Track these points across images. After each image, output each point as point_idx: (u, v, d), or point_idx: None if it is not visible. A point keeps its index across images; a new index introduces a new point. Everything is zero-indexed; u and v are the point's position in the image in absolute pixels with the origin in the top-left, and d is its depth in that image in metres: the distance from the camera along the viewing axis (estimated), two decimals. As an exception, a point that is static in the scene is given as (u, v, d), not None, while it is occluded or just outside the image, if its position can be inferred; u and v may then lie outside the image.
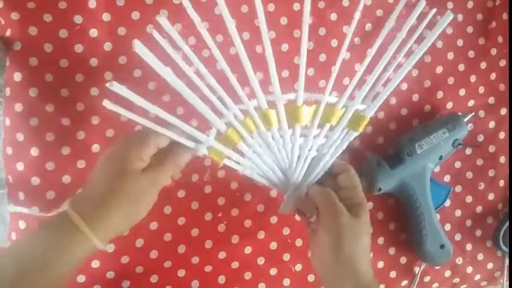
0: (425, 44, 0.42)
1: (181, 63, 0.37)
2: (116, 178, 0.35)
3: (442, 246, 0.50)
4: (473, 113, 0.51)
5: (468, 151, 0.54)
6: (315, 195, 0.41)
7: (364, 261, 0.39)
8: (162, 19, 0.36)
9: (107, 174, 0.35)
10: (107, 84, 0.34)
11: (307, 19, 0.38)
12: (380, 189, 0.48)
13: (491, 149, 0.54)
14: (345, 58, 0.43)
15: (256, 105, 0.40)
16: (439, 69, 0.52)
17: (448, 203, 0.53)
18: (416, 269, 0.53)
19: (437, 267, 0.53)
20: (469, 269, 0.54)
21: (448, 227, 0.53)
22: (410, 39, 0.43)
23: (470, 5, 0.53)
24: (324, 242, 0.39)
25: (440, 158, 0.49)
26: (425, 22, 0.43)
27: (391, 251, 0.52)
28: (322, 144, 0.44)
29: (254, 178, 0.43)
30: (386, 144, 0.51)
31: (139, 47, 0.35)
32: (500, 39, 0.54)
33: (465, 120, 0.50)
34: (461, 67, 0.53)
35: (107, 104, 0.35)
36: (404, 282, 0.53)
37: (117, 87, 0.35)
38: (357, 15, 0.41)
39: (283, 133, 0.42)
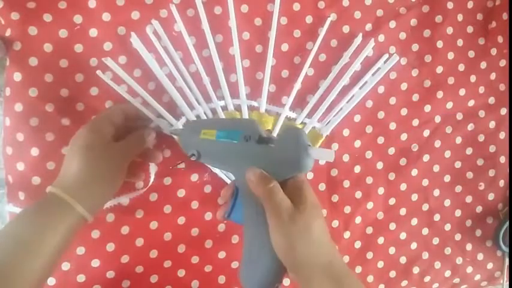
0: (374, 79, 0.49)
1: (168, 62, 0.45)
2: (87, 152, 0.37)
3: None
4: None
5: (468, 151, 0.54)
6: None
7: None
8: (155, 22, 0.44)
9: (78, 152, 0.38)
10: (103, 59, 0.43)
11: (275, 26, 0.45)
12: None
13: (492, 149, 0.54)
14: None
15: (224, 106, 0.46)
16: (439, 69, 0.52)
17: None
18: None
19: None
20: (469, 269, 0.54)
21: (448, 227, 0.53)
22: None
23: (470, 5, 0.53)
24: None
25: None
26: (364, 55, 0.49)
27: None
28: None
29: (214, 171, 0.46)
30: (386, 144, 0.51)
31: (135, 40, 0.43)
32: (500, 39, 0.54)
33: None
34: (461, 67, 0.53)
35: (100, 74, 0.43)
36: (404, 283, 0.53)
37: (110, 62, 0.43)
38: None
39: None
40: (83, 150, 0.37)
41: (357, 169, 0.50)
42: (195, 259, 0.47)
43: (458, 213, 0.54)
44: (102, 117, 0.40)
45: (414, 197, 0.52)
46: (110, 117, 0.40)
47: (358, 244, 0.51)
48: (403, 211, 0.52)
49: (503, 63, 0.54)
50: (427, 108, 0.52)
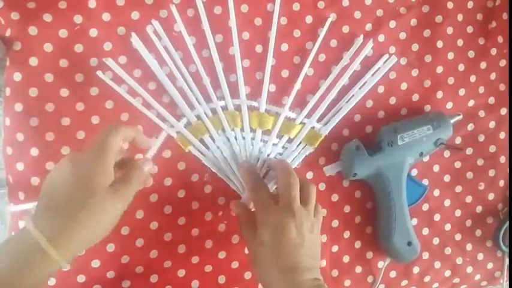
0: (373, 79, 0.50)
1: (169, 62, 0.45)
2: (81, 196, 0.32)
3: (409, 244, 0.48)
4: (460, 116, 0.51)
5: (469, 151, 0.54)
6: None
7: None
8: (156, 22, 0.44)
9: (71, 190, 0.33)
10: (104, 59, 0.43)
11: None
12: (355, 174, 0.47)
13: (492, 149, 0.54)
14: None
15: (224, 106, 0.47)
16: (439, 69, 0.52)
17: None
18: (381, 264, 0.51)
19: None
20: (469, 269, 0.54)
21: (448, 227, 0.53)
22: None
23: (470, 5, 0.53)
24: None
25: (421, 154, 0.49)
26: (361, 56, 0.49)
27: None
28: (280, 153, 0.48)
29: (213, 170, 0.47)
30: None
31: (135, 40, 0.44)
32: (500, 39, 0.54)
33: (451, 121, 0.50)
34: (461, 67, 0.53)
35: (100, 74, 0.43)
36: (404, 283, 0.53)
37: (111, 63, 0.43)
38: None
39: (245, 134, 0.47)
40: (83, 193, 0.33)
41: (357, 169, 0.50)
42: (195, 259, 0.47)
43: (458, 213, 0.54)
44: (108, 148, 0.34)
45: (414, 197, 0.52)
46: (114, 148, 0.35)
47: (358, 244, 0.51)
48: (403, 211, 0.52)
49: (503, 63, 0.54)
50: (427, 108, 0.52)
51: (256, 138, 0.47)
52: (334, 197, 0.50)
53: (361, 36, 0.49)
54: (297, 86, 0.48)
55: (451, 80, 0.52)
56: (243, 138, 0.47)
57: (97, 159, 0.34)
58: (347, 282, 0.51)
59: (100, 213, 0.33)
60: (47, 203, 0.33)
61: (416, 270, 0.53)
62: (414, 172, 0.52)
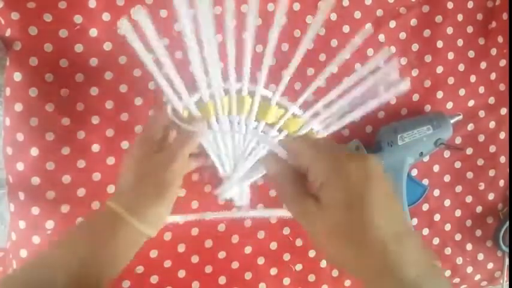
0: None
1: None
2: (138, 163, 0.39)
3: None
4: (460, 116, 0.51)
5: (469, 151, 0.54)
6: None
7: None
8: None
9: (130, 163, 0.39)
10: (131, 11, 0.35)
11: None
12: None
13: (492, 149, 0.54)
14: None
15: (238, 89, 0.44)
16: (439, 69, 0.52)
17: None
18: None
19: None
20: (469, 269, 0.54)
21: (448, 227, 0.53)
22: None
23: (470, 5, 0.53)
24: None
25: (421, 154, 0.49)
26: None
27: None
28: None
29: (206, 149, 0.45)
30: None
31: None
32: (500, 39, 0.54)
33: (451, 121, 0.49)
34: (461, 67, 0.53)
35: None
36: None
37: (138, 13, 0.35)
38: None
39: (248, 122, 0.45)
40: (138, 161, 0.39)
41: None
42: (195, 259, 0.47)
43: (458, 213, 0.54)
44: (153, 118, 0.42)
45: (414, 197, 0.52)
46: (160, 118, 0.41)
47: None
48: (403, 211, 0.52)
49: (503, 63, 0.54)
50: (427, 108, 0.52)
51: (258, 127, 0.46)
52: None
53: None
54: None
55: (451, 80, 0.52)
56: (246, 125, 0.45)
57: (142, 134, 0.43)
58: (347, 282, 0.51)
59: (154, 174, 0.38)
60: (119, 185, 0.39)
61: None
62: (414, 172, 0.52)
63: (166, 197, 0.39)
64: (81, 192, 0.44)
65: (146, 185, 0.38)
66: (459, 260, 0.54)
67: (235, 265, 0.48)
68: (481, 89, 0.53)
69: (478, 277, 0.55)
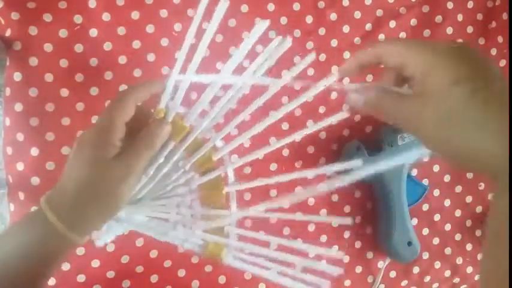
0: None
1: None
2: (87, 169, 0.32)
3: (409, 244, 0.48)
4: None
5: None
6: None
7: None
8: None
9: (78, 165, 0.32)
10: None
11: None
12: None
13: (491, 149, 0.54)
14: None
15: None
16: (439, 69, 0.52)
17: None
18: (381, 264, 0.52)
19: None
20: (469, 269, 0.54)
21: (448, 227, 0.53)
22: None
23: (470, 5, 0.53)
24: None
25: (421, 154, 0.49)
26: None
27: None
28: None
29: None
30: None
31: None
32: (500, 39, 0.54)
33: None
34: (461, 67, 0.53)
35: None
36: (404, 283, 0.53)
37: None
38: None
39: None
40: (89, 166, 0.32)
41: (357, 169, 0.50)
42: (195, 259, 0.47)
43: (458, 213, 0.54)
44: (114, 115, 0.32)
45: (414, 197, 0.52)
46: (123, 114, 0.33)
47: (358, 244, 0.51)
48: (403, 211, 0.52)
49: (503, 63, 0.54)
50: (427, 108, 0.52)
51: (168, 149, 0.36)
52: (334, 197, 0.50)
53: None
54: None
55: (451, 80, 0.52)
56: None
57: (98, 132, 0.33)
58: (347, 282, 0.51)
59: (106, 185, 0.32)
60: (60, 182, 0.33)
61: (416, 270, 0.53)
62: (414, 172, 0.52)
63: (112, 214, 0.34)
64: (81, 192, 0.44)
65: (93, 198, 0.32)
66: (459, 260, 0.54)
67: (235, 265, 0.48)
68: (481, 89, 0.53)
69: (478, 277, 0.55)
